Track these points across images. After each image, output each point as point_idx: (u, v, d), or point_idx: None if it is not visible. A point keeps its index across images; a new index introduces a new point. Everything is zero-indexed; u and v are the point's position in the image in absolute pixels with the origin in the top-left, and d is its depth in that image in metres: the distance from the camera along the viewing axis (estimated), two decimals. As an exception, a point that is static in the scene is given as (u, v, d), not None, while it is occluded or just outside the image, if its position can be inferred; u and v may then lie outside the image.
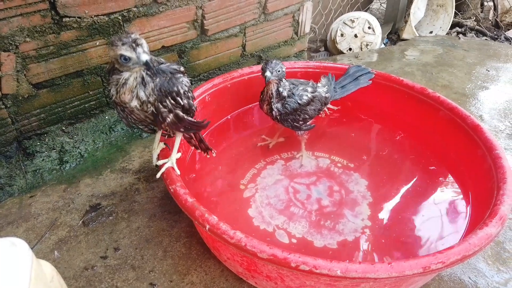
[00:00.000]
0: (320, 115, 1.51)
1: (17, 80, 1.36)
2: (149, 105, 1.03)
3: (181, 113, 1.08)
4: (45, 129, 1.50)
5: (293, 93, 1.37)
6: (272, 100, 1.36)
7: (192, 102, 1.13)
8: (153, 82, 1.01)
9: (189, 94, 1.11)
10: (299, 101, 1.37)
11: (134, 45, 0.92)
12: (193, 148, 1.42)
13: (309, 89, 1.40)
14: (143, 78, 0.99)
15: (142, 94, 1.00)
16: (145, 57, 0.93)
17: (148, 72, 0.99)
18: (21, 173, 1.43)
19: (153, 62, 0.97)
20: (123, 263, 1.18)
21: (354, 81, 1.57)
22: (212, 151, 1.33)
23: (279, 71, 1.30)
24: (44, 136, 1.51)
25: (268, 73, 1.29)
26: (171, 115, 1.06)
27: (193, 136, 1.27)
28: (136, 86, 1.00)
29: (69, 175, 1.49)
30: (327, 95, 1.46)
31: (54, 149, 1.51)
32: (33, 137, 1.48)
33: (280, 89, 1.34)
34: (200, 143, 1.30)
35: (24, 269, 0.75)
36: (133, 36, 0.94)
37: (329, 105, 1.53)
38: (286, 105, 1.37)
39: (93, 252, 1.21)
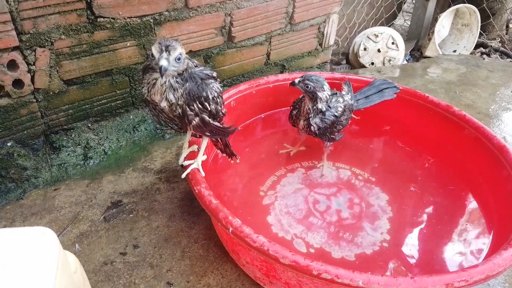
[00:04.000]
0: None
1: (50, 75, 1.40)
2: (177, 107, 1.05)
3: (207, 118, 1.09)
4: (72, 125, 1.54)
5: (329, 106, 1.36)
6: (310, 115, 1.35)
7: (220, 108, 1.14)
8: (182, 87, 1.03)
9: (218, 100, 1.12)
10: (335, 114, 1.36)
11: (163, 48, 0.97)
12: (215, 151, 1.44)
13: (340, 99, 1.40)
14: (171, 84, 1.02)
15: (171, 97, 1.03)
16: (162, 62, 0.96)
17: (177, 80, 1.02)
18: (47, 166, 1.46)
19: (166, 70, 0.98)
20: (142, 260, 1.19)
21: (379, 93, 1.57)
22: (237, 157, 1.34)
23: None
24: (70, 132, 1.54)
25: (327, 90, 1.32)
26: (197, 119, 1.08)
27: (219, 140, 1.28)
28: (165, 90, 1.03)
29: (93, 171, 1.51)
30: (352, 101, 1.47)
31: (80, 145, 1.54)
32: (60, 132, 1.52)
33: (318, 102, 1.33)
34: (225, 148, 1.31)
35: (52, 258, 0.78)
36: (172, 44, 0.98)
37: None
38: (325, 119, 1.35)
39: (113, 248, 1.23)
